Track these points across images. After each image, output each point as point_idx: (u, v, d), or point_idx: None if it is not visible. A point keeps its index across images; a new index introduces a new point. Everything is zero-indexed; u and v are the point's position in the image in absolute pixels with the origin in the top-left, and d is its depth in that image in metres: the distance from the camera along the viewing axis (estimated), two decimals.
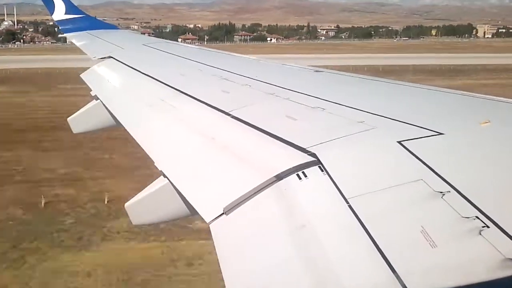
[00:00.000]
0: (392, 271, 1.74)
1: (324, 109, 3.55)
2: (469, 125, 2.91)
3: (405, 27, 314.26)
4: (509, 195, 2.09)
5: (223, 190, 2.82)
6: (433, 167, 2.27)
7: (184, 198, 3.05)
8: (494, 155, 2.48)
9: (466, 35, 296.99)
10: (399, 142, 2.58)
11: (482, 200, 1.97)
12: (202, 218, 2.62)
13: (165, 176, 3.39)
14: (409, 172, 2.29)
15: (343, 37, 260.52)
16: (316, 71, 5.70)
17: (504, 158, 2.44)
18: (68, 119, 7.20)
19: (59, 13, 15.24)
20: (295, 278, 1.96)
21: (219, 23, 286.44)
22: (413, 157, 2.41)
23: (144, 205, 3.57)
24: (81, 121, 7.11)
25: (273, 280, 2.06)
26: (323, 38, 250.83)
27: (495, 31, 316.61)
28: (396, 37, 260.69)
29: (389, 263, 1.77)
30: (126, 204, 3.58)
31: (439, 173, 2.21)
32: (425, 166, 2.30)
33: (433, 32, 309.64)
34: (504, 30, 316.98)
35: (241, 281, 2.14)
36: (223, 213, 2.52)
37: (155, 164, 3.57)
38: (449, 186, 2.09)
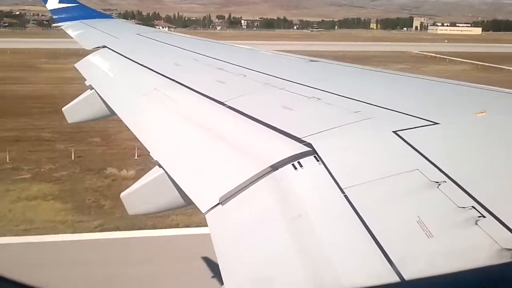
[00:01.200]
0: (388, 260, 1.74)
1: (319, 99, 3.54)
2: (464, 115, 2.91)
3: (345, 19, 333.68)
4: (505, 185, 2.08)
5: (219, 180, 2.82)
6: (428, 157, 2.26)
7: (180, 188, 3.05)
8: (489, 145, 2.49)
9: (405, 28, 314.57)
10: (395, 132, 2.58)
11: (478, 190, 1.97)
12: (198, 208, 2.62)
13: (160, 166, 3.39)
14: (405, 162, 2.28)
15: (255, 27, 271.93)
16: (312, 60, 5.68)
17: (500, 148, 2.45)
18: (63, 109, 7.17)
19: (53, 2, 15.07)
20: (291, 268, 1.96)
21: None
22: (409, 147, 2.41)
23: (140, 195, 3.57)
24: (76, 111, 7.08)
25: (269, 269, 2.06)
26: (218, 28, 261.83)
27: (431, 23, 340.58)
28: (313, 29, 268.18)
29: (385, 252, 1.77)
30: (122, 194, 3.57)
31: (435, 163, 2.20)
32: (420, 156, 2.29)
33: (373, 25, 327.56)
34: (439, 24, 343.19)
35: (237, 270, 2.14)
36: (219, 203, 2.52)
37: (150, 154, 3.56)
38: (445, 176, 2.09)
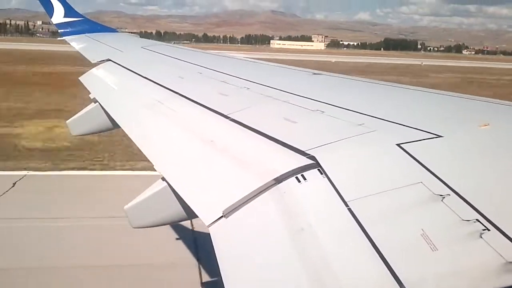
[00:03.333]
0: (392, 274, 1.73)
1: (323, 111, 3.54)
2: (468, 127, 2.90)
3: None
4: (510, 197, 2.07)
5: (222, 193, 2.81)
6: (432, 170, 2.25)
7: (183, 201, 3.04)
8: (494, 158, 2.47)
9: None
10: (399, 145, 2.57)
11: (482, 203, 1.96)
12: (202, 221, 2.62)
13: (164, 179, 3.39)
14: (408, 175, 2.27)
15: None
16: (315, 73, 5.69)
17: (504, 161, 2.43)
18: (67, 121, 7.21)
19: (58, 16, 15.21)
20: (295, 282, 1.94)
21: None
22: (413, 160, 2.40)
23: (143, 208, 3.56)
24: (80, 123, 7.13)
25: (272, 283, 2.05)
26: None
27: (328, 42, 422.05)
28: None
29: (390, 266, 1.76)
30: (126, 207, 3.57)
31: (438, 176, 2.19)
32: (424, 169, 2.28)
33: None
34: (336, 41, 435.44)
35: (240, 283, 2.13)
36: (222, 216, 2.51)
37: (154, 167, 3.57)
38: (449, 189, 2.08)
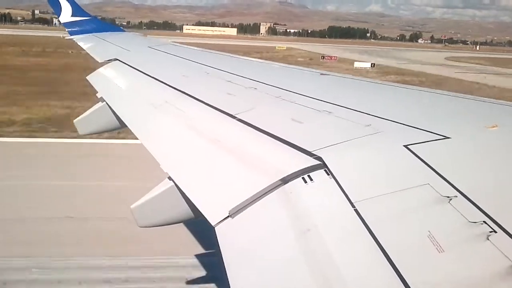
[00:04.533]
0: (398, 276, 1.72)
1: (330, 112, 3.54)
2: (476, 129, 2.89)
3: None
4: None
5: (229, 193, 2.82)
6: (439, 172, 2.25)
7: (190, 200, 3.05)
8: (501, 160, 2.46)
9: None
10: (406, 146, 2.57)
11: (489, 205, 1.95)
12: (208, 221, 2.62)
13: (170, 179, 3.39)
14: (415, 176, 2.27)
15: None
16: (322, 74, 5.69)
17: (511, 162, 2.42)
18: (75, 121, 7.24)
19: (66, 15, 15.29)
20: (301, 282, 1.94)
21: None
22: (420, 161, 2.39)
23: (150, 208, 3.57)
24: (87, 123, 7.15)
25: (278, 283, 2.05)
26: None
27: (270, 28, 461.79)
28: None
29: (396, 267, 1.76)
30: (132, 206, 3.58)
31: (446, 177, 2.19)
32: (431, 170, 2.28)
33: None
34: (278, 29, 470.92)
35: (246, 283, 2.14)
36: (228, 216, 2.52)
37: (161, 166, 3.57)
38: (456, 191, 2.07)
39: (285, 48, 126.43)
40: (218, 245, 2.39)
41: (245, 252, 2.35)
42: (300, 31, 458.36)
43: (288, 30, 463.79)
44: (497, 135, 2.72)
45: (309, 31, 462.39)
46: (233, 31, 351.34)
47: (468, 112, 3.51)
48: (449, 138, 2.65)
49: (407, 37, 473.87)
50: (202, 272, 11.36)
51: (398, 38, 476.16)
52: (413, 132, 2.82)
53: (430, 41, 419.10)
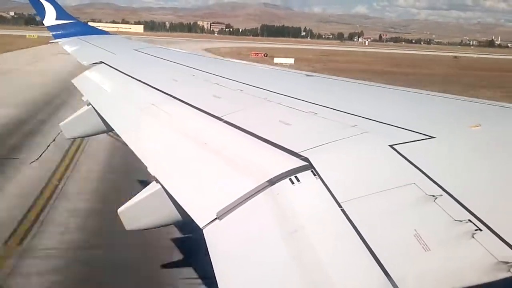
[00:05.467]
0: (385, 274, 1.74)
1: (316, 113, 3.56)
2: (460, 128, 2.93)
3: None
4: (501, 198, 2.10)
5: (216, 195, 2.82)
6: (425, 171, 2.27)
7: (177, 203, 3.04)
8: (485, 158, 2.50)
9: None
10: (391, 146, 2.59)
11: (474, 203, 1.98)
12: (196, 223, 2.62)
13: (157, 182, 3.38)
14: (401, 176, 2.28)
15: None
16: (308, 75, 5.72)
17: (495, 161, 2.46)
18: (60, 124, 7.18)
19: (50, 18, 15.16)
20: (288, 283, 1.95)
21: None
22: (405, 161, 2.42)
23: (137, 211, 3.55)
24: (73, 126, 7.09)
25: (266, 284, 2.06)
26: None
27: (217, 28, 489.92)
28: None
29: (383, 266, 1.77)
30: (119, 210, 3.56)
31: (431, 176, 2.21)
32: (417, 170, 2.29)
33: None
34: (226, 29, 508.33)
35: (234, 285, 2.14)
36: (216, 218, 2.52)
37: (148, 169, 3.56)
38: (441, 190, 2.09)
39: (36, 37, 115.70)
40: (206, 247, 2.39)
41: (233, 254, 2.35)
42: (231, 29, 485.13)
43: (225, 29, 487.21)
44: (480, 134, 2.77)
45: (240, 30, 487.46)
46: (140, 28, 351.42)
47: (452, 112, 3.55)
48: (434, 137, 2.68)
49: (346, 36, 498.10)
50: (179, 256, 11.14)
51: (332, 36, 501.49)
52: (399, 132, 2.84)
53: (370, 40, 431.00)
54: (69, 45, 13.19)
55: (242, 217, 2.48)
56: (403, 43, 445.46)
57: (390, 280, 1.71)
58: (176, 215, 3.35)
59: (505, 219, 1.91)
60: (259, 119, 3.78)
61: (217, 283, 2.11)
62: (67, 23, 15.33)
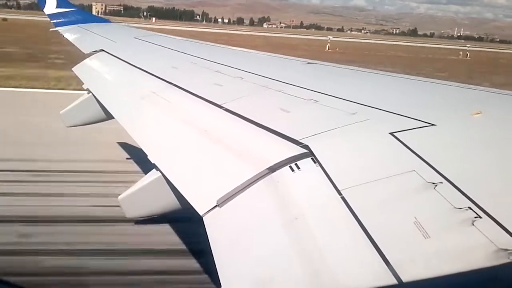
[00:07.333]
0: (385, 262, 1.74)
1: (317, 101, 3.54)
2: (461, 116, 2.91)
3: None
4: (502, 185, 2.09)
5: (216, 183, 2.82)
6: (425, 158, 2.26)
7: (177, 191, 3.05)
8: (486, 146, 2.49)
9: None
10: (392, 134, 2.58)
11: (474, 190, 1.97)
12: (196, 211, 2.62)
13: (157, 169, 3.39)
14: (401, 163, 2.28)
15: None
16: (309, 63, 5.69)
17: (496, 148, 2.45)
18: (61, 112, 7.18)
19: (51, 6, 15.08)
20: (289, 270, 1.96)
21: None
22: (406, 148, 2.41)
23: (137, 198, 3.56)
24: (73, 115, 7.10)
25: (266, 272, 2.06)
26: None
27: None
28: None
29: (383, 254, 1.77)
30: (120, 197, 3.57)
31: (431, 164, 2.20)
32: (417, 157, 2.29)
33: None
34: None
35: (234, 273, 2.14)
36: (216, 206, 2.52)
37: (148, 157, 3.56)
38: (441, 177, 2.09)
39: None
40: (206, 234, 2.39)
41: (234, 241, 2.35)
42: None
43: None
44: (481, 122, 2.75)
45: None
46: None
47: (453, 99, 3.53)
48: (434, 125, 2.66)
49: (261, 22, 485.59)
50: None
51: (229, 21, 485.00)
52: (399, 119, 2.83)
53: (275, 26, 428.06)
54: (70, 33, 13.13)
55: (242, 204, 2.47)
56: (368, 33, 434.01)
57: (390, 268, 1.71)
58: (176, 203, 3.35)
59: (506, 206, 1.90)
60: (260, 107, 3.77)
61: (217, 271, 2.12)
62: (67, 11, 15.25)
